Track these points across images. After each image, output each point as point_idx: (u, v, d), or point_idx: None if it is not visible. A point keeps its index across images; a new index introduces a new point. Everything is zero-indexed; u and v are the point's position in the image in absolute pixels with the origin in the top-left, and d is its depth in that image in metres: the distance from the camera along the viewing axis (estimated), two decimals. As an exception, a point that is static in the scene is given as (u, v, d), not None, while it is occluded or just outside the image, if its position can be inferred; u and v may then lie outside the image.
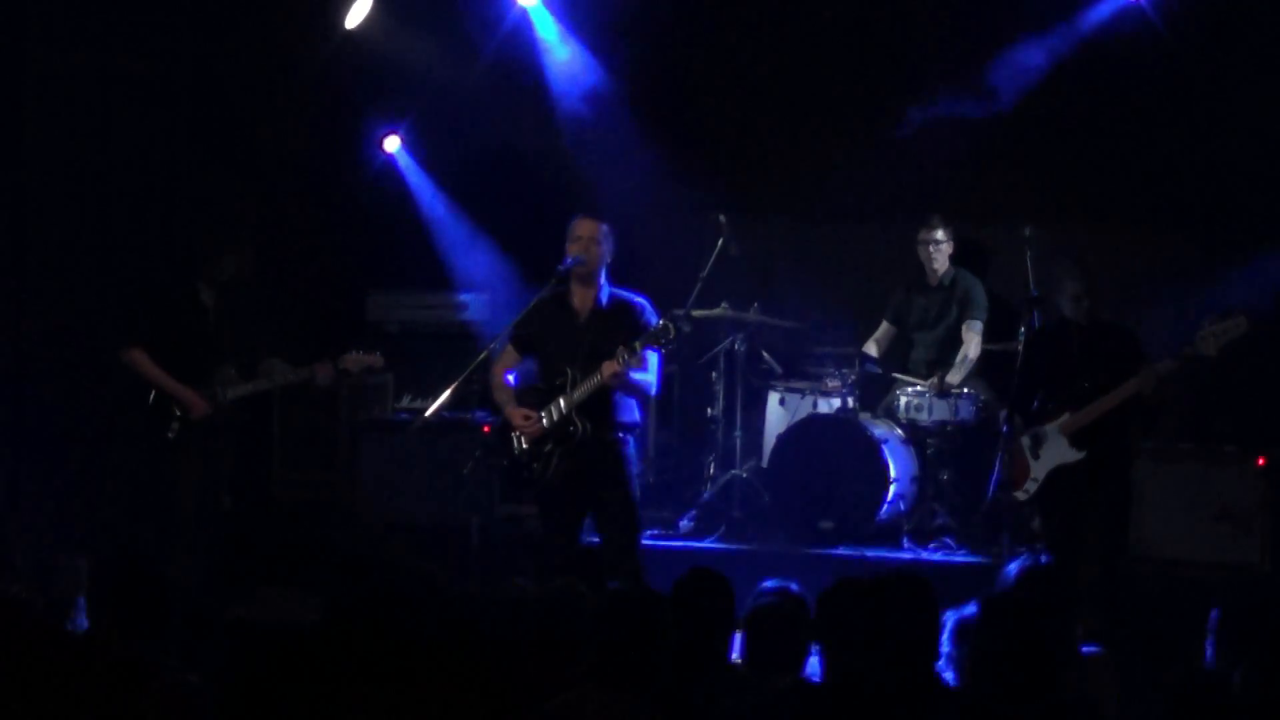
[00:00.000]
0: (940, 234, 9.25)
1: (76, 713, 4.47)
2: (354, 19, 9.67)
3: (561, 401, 7.30)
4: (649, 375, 7.38)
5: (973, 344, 9.18)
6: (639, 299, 7.50)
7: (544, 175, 9.99)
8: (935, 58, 9.49)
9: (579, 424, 7.29)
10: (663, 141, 9.82)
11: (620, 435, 7.45)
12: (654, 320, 7.37)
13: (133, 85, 9.39)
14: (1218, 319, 7.34)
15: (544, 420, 7.33)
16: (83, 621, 5.52)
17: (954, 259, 9.36)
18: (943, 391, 8.88)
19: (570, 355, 7.34)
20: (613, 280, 7.52)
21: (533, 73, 9.93)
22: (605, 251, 7.41)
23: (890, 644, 4.45)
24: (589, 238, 7.35)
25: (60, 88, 9.14)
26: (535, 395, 7.44)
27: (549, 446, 7.36)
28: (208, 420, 8.01)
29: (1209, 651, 5.24)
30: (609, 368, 7.14)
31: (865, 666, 4.41)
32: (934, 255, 9.28)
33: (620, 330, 7.31)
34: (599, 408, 7.29)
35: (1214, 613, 5.30)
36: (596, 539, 7.59)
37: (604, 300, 7.44)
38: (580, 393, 7.25)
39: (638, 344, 7.15)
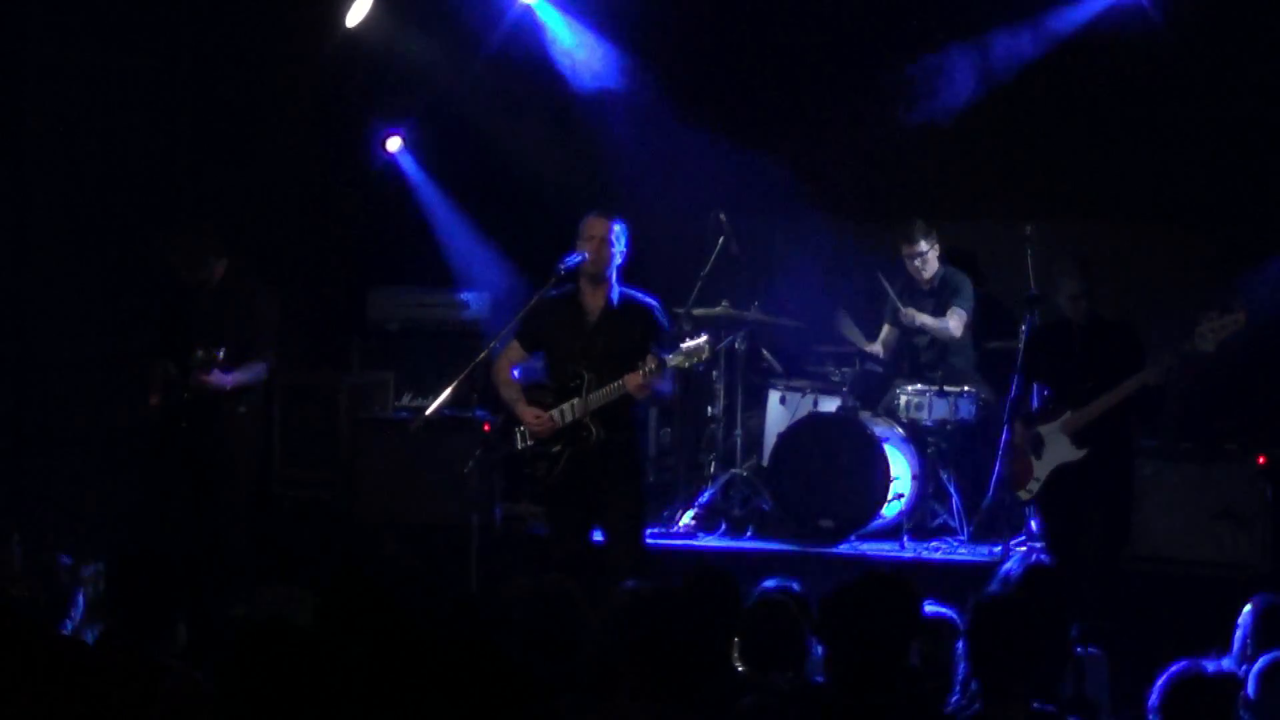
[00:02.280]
0: (923, 245, 9.17)
1: (83, 713, 4.46)
2: (355, 17, 9.67)
3: (576, 403, 7.22)
4: (669, 382, 7.33)
5: (954, 321, 9.13)
6: (651, 300, 7.39)
7: (545, 174, 9.98)
8: (934, 54, 9.50)
9: (593, 429, 7.22)
10: (664, 139, 9.82)
11: (630, 437, 7.43)
12: (665, 322, 7.34)
13: (133, 83, 9.38)
14: (1216, 314, 7.34)
15: (554, 419, 7.27)
16: (81, 621, 5.52)
17: (943, 259, 9.33)
18: (904, 317, 8.98)
19: (583, 355, 7.26)
20: (623, 280, 7.40)
21: (537, 69, 9.92)
22: (616, 252, 7.27)
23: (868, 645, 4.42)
24: (600, 238, 7.21)
25: (60, 86, 9.13)
26: (545, 394, 7.37)
27: (558, 447, 7.29)
28: (165, 426, 7.97)
29: (1236, 648, 5.23)
30: (634, 380, 7.07)
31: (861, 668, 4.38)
32: (920, 267, 9.24)
33: (634, 331, 7.25)
34: (613, 412, 7.23)
35: (1251, 608, 5.30)
36: (601, 538, 7.56)
37: (615, 300, 7.32)
38: (599, 398, 7.18)
39: (669, 360, 7.06)
